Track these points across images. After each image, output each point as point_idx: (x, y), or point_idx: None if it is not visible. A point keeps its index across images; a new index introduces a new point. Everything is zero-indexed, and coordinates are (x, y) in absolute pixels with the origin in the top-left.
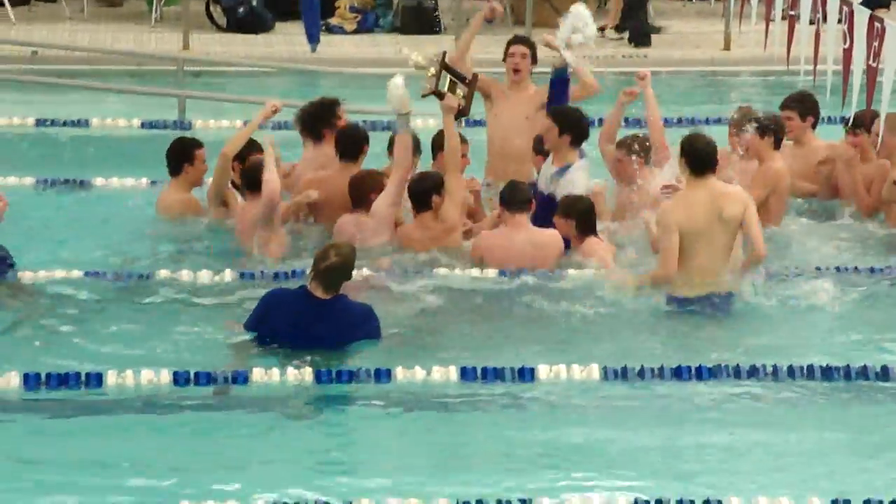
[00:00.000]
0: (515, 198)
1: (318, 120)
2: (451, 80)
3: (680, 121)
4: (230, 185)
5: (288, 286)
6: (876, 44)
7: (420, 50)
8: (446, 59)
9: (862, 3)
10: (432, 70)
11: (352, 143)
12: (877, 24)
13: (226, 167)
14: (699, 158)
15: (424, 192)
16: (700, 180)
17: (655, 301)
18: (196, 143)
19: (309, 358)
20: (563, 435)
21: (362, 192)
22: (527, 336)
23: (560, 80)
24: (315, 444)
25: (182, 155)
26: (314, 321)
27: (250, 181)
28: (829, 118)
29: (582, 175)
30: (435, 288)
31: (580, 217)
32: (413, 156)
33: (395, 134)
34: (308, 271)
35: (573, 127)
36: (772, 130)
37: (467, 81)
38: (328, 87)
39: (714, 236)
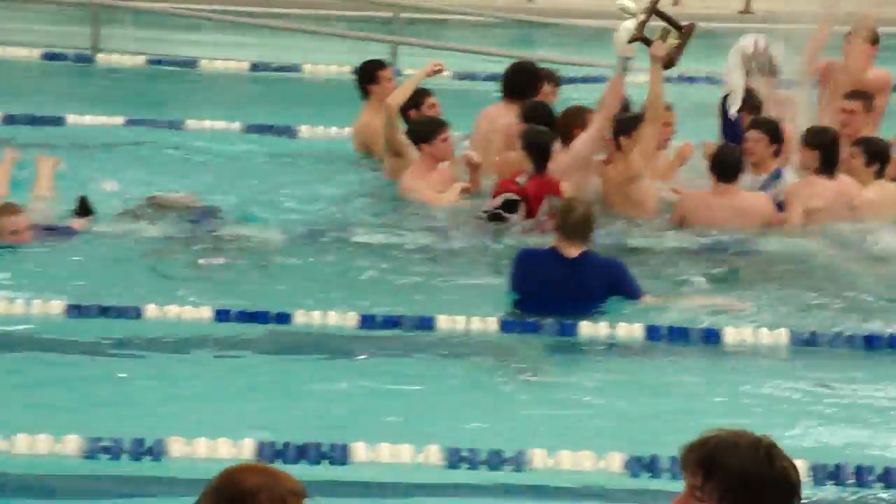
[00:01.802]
0: (727, 165)
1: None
2: (663, 27)
3: None
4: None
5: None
6: None
7: None
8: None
9: None
10: (641, 16)
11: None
12: None
13: (392, 117)
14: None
15: (617, 132)
16: None
17: None
18: (379, 64)
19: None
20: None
21: (567, 125)
22: None
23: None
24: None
25: (365, 77)
26: (566, 280)
27: (419, 135)
28: None
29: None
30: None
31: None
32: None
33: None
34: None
35: (780, 138)
36: None
37: (683, 30)
38: (544, 38)
39: None
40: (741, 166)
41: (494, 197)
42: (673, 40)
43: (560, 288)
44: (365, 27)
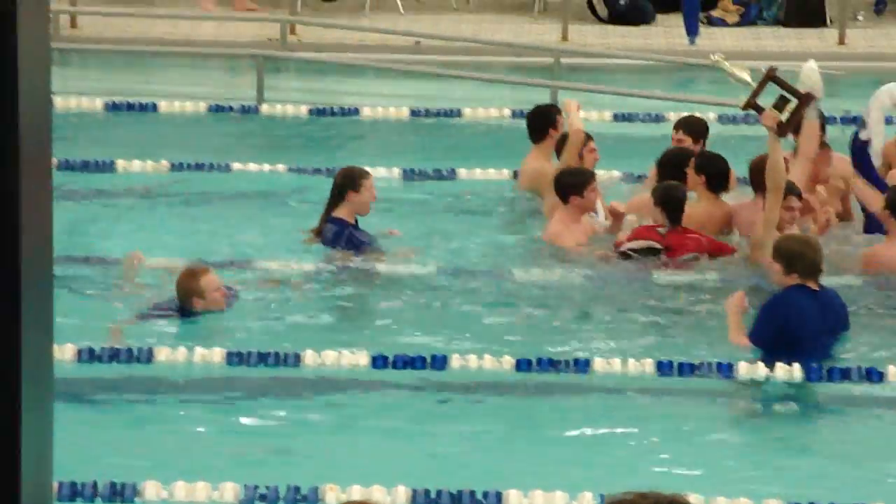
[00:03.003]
0: None
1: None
2: (781, 95)
3: None
4: None
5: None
6: None
7: (737, 64)
8: (776, 73)
9: None
10: (754, 85)
11: None
12: None
13: (580, 144)
14: None
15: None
16: None
17: None
18: (557, 109)
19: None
20: None
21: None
22: None
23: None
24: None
25: (544, 120)
26: (828, 316)
27: (570, 186)
28: None
29: None
30: None
31: None
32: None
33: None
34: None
35: None
36: None
37: (801, 98)
38: (706, 80)
39: None
40: None
41: (630, 240)
42: (790, 108)
43: (819, 323)
44: (529, 72)
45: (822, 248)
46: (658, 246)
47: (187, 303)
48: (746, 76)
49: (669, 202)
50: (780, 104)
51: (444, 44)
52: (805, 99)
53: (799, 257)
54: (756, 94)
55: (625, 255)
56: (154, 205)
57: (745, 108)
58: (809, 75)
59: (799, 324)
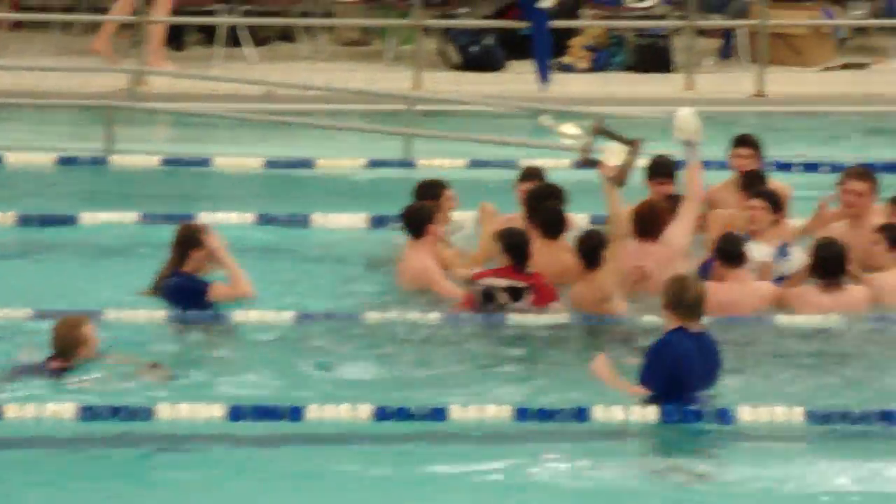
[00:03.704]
0: (731, 250)
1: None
2: (610, 144)
3: None
4: None
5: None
6: None
7: (560, 118)
8: (602, 125)
9: None
10: (576, 136)
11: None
12: None
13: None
14: None
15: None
16: None
17: None
18: (431, 205)
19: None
20: None
21: (656, 220)
22: None
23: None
24: None
25: (421, 217)
26: (701, 358)
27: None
28: None
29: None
30: None
31: None
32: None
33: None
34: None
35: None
36: None
37: (631, 144)
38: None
39: None
40: None
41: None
42: (620, 156)
43: (696, 365)
44: (380, 121)
45: (704, 291)
46: (522, 285)
47: (70, 353)
48: (576, 130)
49: (515, 247)
50: (610, 153)
51: (297, 93)
52: (635, 144)
53: (677, 299)
54: (587, 149)
55: (487, 295)
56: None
57: (580, 165)
58: (684, 123)
59: (682, 366)
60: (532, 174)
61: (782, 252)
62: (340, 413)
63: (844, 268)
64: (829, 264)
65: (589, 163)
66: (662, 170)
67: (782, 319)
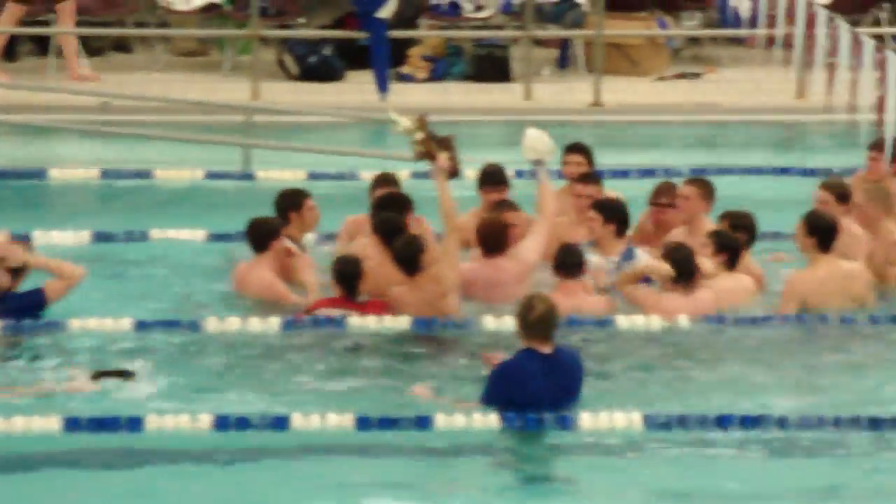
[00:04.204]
0: (569, 261)
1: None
2: (434, 142)
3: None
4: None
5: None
6: None
7: (402, 113)
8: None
9: None
10: (419, 133)
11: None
12: None
13: None
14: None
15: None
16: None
17: None
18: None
19: None
20: None
21: (499, 235)
22: None
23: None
24: None
25: (264, 232)
26: (552, 378)
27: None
28: None
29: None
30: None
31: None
32: None
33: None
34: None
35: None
36: None
37: (447, 142)
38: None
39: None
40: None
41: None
42: (445, 153)
43: (541, 387)
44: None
45: (551, 310)
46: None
47: None
48: (410, 124)
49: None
50: (437, 148)
51: (134, 104)
52: (450, 141)
53: (522, 320)
54: (426, 142)
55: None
56: None
57: (419, 158)
58: (534, 143)
59: (525, 389)
60: (385, 180)
61: (628, 255)
62: (180, 423)
63: (695, 269)
64: (682, 266)
65: (430, 156)
66: (492, 178)
67: (624, 322)
